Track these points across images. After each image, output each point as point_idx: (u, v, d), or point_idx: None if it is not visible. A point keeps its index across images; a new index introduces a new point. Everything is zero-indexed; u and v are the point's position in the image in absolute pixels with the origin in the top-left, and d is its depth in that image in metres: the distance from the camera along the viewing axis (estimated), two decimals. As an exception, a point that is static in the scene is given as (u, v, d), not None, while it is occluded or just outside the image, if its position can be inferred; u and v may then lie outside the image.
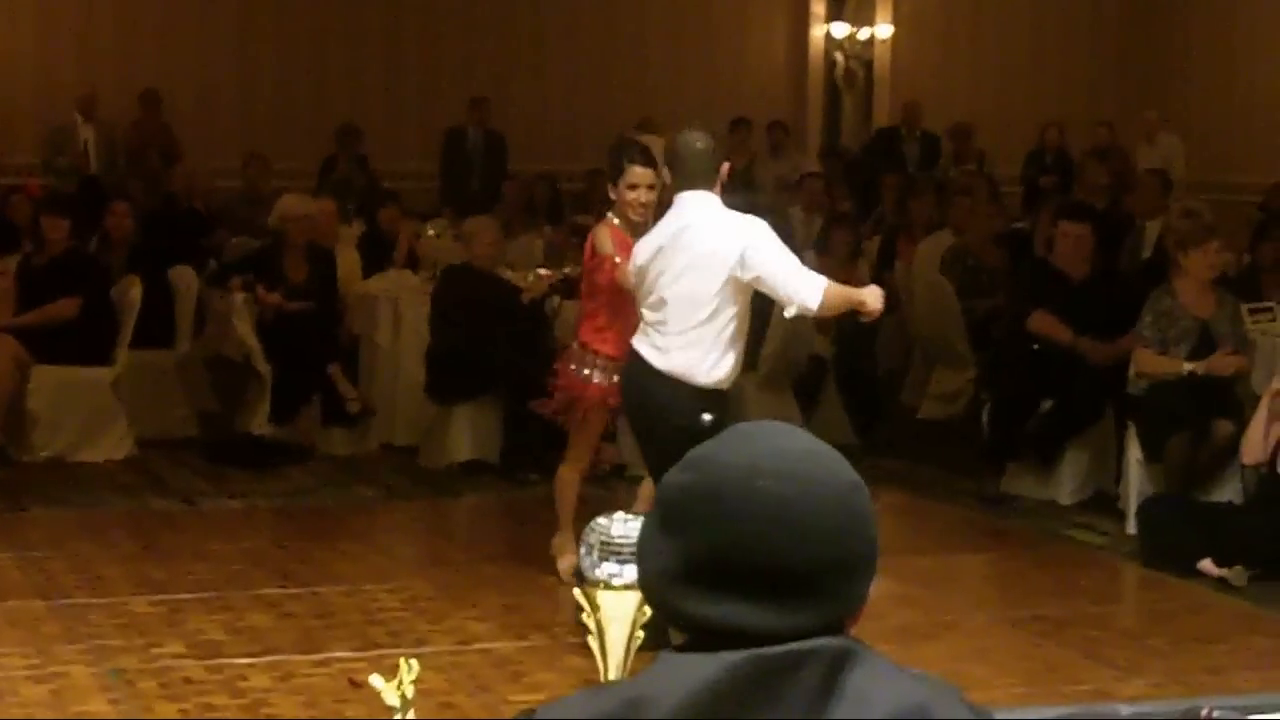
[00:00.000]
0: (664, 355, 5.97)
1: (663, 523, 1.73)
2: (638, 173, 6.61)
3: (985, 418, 8.83)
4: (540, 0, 15.56)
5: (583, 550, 2.87)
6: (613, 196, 6.75)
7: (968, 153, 15.08)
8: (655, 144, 7.80)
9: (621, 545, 2.80)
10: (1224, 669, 6.06)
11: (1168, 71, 16.51)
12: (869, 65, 16.63)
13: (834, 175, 14.12)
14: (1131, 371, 8.15)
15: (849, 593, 1.71)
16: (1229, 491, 7.84)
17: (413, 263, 10.85)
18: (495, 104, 14.57)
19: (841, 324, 9.97)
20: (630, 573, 2.69)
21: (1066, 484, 8.66)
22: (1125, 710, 3.08)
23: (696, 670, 1.68)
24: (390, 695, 2.38)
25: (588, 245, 6.89)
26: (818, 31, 16.53)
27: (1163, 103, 15.55)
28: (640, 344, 6.08)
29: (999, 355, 9.07)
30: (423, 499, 8.62)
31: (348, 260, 10.33)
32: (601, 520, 2.85)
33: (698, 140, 6.01)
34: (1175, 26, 16.61)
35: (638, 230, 6.47)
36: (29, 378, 8.98)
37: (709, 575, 1.69)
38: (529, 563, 7.13)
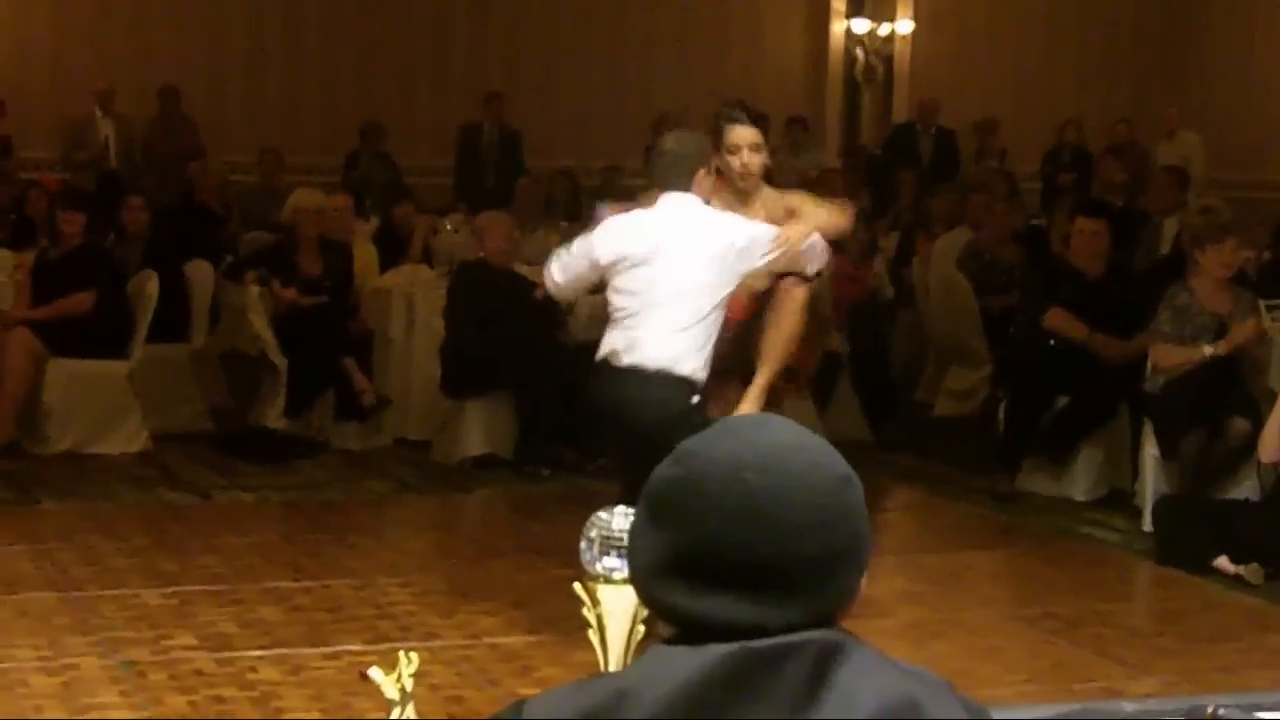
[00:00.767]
0: (639, 350, 5.67)
1: (650, 516, 1.73)
2: (739, 132, 5.80)
3: (1000, 415, 8.81)
4: (554, -5, 15.59)
5: (583, 544, 2.86)
6: (714, 171, 5.75)
7: (991, 148, 15.03)
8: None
9: (622, 539, 2.79)
10: (1237, 667, 6.03)
11: (1186, 68, 16.45)
12: (889, 61, 16.59)
13: (854, 171, 14.08)
14: (1148, 368, 8.12)
15: (834, 586, 1.70)
16: (1245, 489, 7.82)
17: (428, 258, 10.86)
18: (509, 100, 14.57)
19: (856, 321, 9.98)
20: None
21: (1081, 481, 8.64)
22: (1130, 708, 3.03)
23: (684, 663, 1.67)
24: (389, 688, 2.37)
25: None
26: (838, 27, 16.50)
27: (1182, 100, 15.51)
28: (617, 343, 5.74)
29: (1014, 352, 9.03)
30: (435, 494, 8.62)
31: (364, 255, 10.34)
32: (603, 514, 2.83)
33: (668, 141, 5.82)
34: (1194, 23, 16.55)
35: (746, 202, 5.81)
36: (44, 371, 9.01)
37: (695, 569, 1.68)
38: (540, 558, 7.12)
